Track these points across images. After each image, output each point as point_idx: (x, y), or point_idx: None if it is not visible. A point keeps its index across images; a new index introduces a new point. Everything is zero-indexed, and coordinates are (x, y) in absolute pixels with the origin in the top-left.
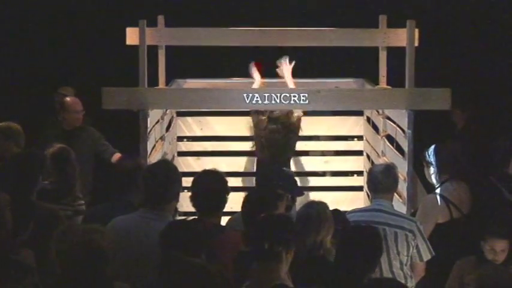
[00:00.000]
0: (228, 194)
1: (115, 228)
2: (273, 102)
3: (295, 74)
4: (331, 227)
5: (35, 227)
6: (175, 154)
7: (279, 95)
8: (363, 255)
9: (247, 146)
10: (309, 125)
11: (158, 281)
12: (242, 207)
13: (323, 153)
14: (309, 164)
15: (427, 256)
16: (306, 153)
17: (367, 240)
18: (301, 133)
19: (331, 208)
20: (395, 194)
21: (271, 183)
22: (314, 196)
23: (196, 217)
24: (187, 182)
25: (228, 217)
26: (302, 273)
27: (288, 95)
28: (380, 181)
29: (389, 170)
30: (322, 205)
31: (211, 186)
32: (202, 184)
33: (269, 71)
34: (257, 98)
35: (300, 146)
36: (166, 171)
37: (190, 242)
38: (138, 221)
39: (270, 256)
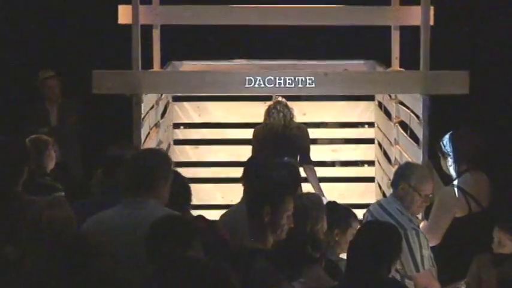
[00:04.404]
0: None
1: (99, 224)
2: (277, 86)
3: (301, 55)
4: (321, 216)
5: (17, 220)
6: (171, 142)
7: (283, 78)
8: (370, 251)
9: (248, 133)
10: (316, 111)
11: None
12: (247, 201)
13: (331, 141)
14: (316, 152)
15: (410, 271)
16: (313, 141)
17: (376, 237)
18: (308, 120)
19: (339, 201)
20: None
21: (268, 174)
22: (322, 188)
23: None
24: (184, 172)
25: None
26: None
27: (293, 78)
28: (393, 175)
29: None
30: (307, 196)
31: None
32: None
33: (272, 51)
34: (260, 81)
35: None
36: (150, 158)
37: (182, 236)
38: (119, 213)
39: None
